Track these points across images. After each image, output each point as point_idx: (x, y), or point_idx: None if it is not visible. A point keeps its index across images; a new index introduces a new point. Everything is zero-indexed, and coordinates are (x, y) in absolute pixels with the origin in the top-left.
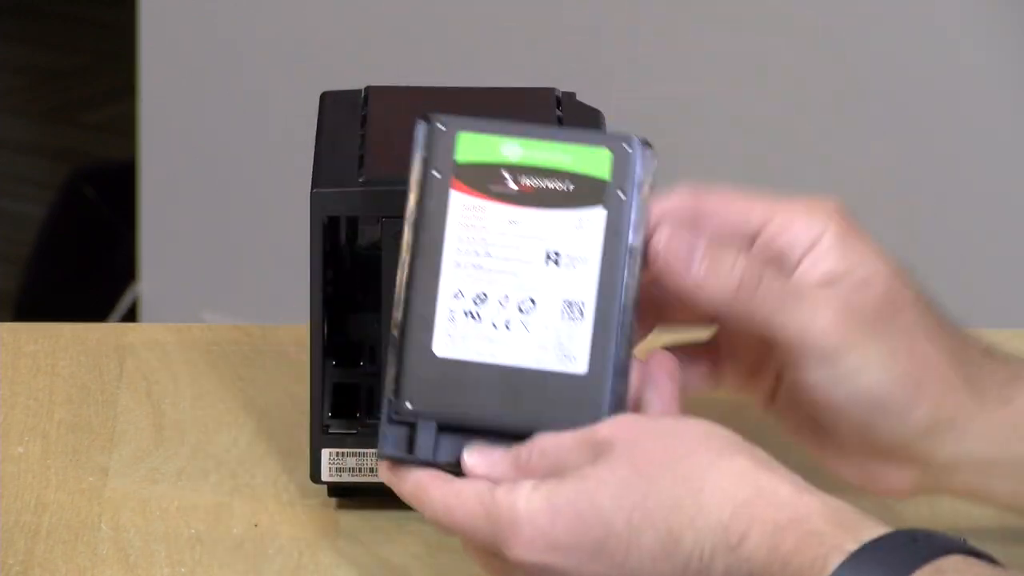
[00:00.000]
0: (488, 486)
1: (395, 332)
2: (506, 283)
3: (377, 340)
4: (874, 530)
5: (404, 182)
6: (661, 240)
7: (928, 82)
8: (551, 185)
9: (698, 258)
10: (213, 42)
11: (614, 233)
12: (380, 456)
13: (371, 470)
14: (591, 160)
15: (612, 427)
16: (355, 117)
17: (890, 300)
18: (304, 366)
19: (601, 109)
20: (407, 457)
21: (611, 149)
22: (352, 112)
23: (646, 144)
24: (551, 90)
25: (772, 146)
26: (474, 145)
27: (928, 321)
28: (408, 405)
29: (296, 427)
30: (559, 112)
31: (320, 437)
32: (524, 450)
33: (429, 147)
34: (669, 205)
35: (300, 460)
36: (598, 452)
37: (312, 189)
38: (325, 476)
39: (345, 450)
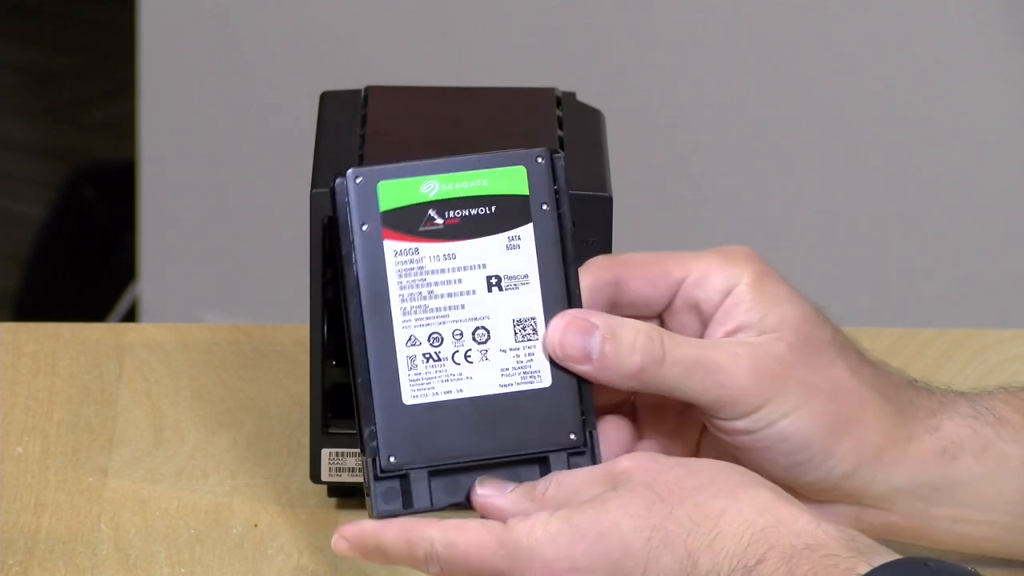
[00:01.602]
0: (494, 520)
1: (361, 393)
2: (456, 318)
3: None
4: (887, 556)
5: None
6: (556, 333)
7: (928, 82)
8: (476, 212)
9: (596, 345)
10: (213, 42)
11: (546, 244)
12: (377, 515)
13: None
14: (507, 180)
15: (631, 460)
16: (355, 117)
17: (805, 341)
18: (304, 366)
19: (601, 109)
20: (405, 512)
21: (524, 165)
22: (352, 112)
23: (554, 153)
24: (551, 90)
25: (772, 146)
26: (394, 191)
27: (848, 358)
28: (392, 460)
29: (296, 427)
30: (559, 112)
31: (320, 437)
32: (541, 482)
33: (352, 203)
34: (585, 282)
35: (300, 460)
36: (617, 483)
37: (312, 189)
38: (325, 476)
39: (345, 450)
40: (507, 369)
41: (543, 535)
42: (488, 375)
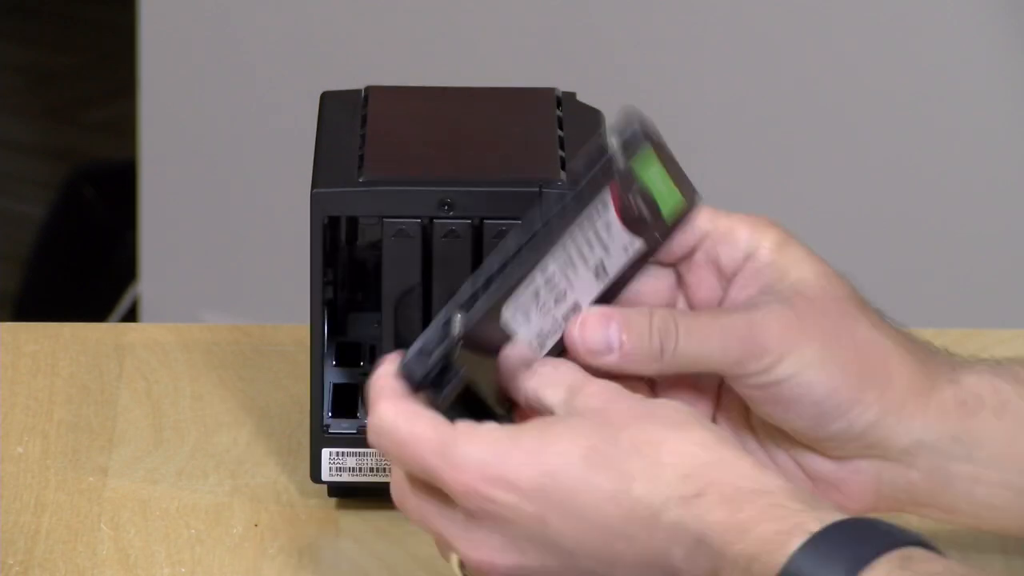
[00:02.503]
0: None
1: (479, 279)
2: (571, 284)
3: (377, 340)
4: (835, 513)
5: (404, 182)
6: (575, 331)
7: (928, 82)
8: (645, 212)
9: (615, 340)
10: (213, 42)
11: (640, 261)
12: (405, 361)
13: (371, 470)
14: (672, 202)
15: (595, 386)
16: (355, 117)
17: (826, 298)
18: (304, 366)
19: (601, 109)
20: (419, 381)
21: (688, 199)
22: (352, 112)
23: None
24: (551, 90)
25: (772, 146)
26: (646, 161)
27: (869, 315)
28: (458, 327)
29: (296, 427)
30: (559, 112)
31: (320, 437)
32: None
33: (624, 137)
34: None
35: (300, 460)
36: (574, 407)
37: (312, 189)
38: (325, 476)
39: (345, 450)
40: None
41: (483, 440)
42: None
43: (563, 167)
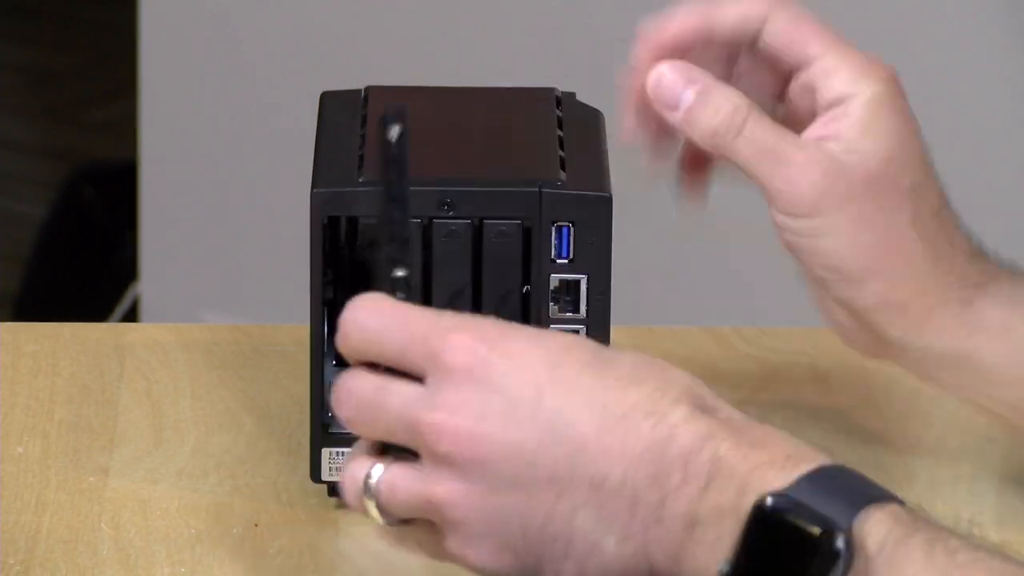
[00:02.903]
0: None
1: None
2: None
3: None
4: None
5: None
6: (651, 80)
7: (928, 81)
8: None
9: (687, 97)
10: (213, 42)
11: None
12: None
13: None
14: None
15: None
16: (355, 117)
17: (884, 178)
18: (304, 366)
19: (601, 109)
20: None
21: None
22: (352, 112)
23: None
24: (551, 90)
25: None
26: None
27: (920, 208)
28: None
29: (296, 427)
30: (559, 112)
31: (320, 437)
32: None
33: None
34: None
35: (300, 460)
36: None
37: (312, 189)
38: (325, 476)
39: (345, 450)
40: None
41: (471, 319)
42: None
43: (563, 167)
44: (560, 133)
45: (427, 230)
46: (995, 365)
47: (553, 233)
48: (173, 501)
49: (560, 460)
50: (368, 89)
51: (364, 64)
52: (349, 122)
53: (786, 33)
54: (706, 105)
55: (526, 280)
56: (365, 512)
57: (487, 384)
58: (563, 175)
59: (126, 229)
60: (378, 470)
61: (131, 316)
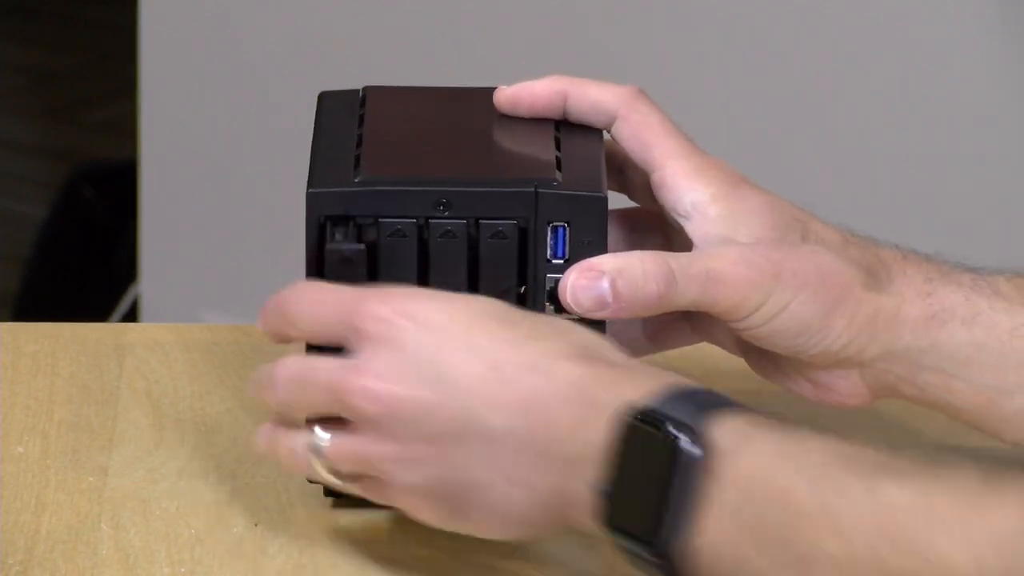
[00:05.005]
0: None
1: None
2: None
3: None
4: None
5: (400, 182)
6: (567, 291)
7: (928, 82)
8: None
9: (607, 289)
10: (213, 42)
11: None
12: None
13: None
14: None
15: None
16: (353, 117)
17: (784, 240)
18: None
19: None
20: None
21: None
22: (350, 112)
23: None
24: None
25: (772, 146)
26: None
27: (831, 242)
28: None
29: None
30: None
31: None
32: None
33: None
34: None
35: None
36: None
37: (308, 189)
38: None
39: None
40: None
41: (386, 290)
42: None
43: (559, 167)
44: (557, 133)
45: (423, 230)
46: (965, 348)
47: (549, 233)
48: (173, 501)
49: (456, 414)
50: (366, 89)
51: (364, 64)
52: (347, 122)
53: (632, 136)
54: (632, 279)
55: (522, 280)
56: (315, 476)
57: (397, 348)
58: (559, 175)
59: (126, 229)
60: (323, 437)
61: (131, 316)
